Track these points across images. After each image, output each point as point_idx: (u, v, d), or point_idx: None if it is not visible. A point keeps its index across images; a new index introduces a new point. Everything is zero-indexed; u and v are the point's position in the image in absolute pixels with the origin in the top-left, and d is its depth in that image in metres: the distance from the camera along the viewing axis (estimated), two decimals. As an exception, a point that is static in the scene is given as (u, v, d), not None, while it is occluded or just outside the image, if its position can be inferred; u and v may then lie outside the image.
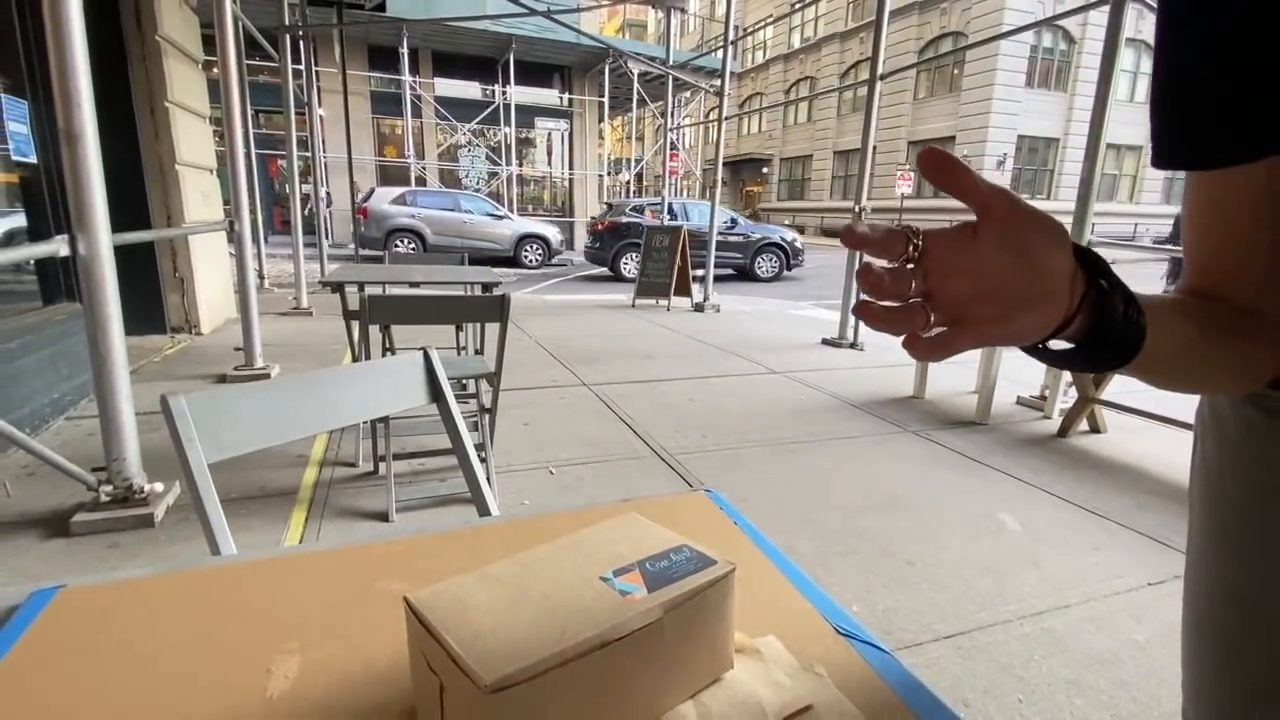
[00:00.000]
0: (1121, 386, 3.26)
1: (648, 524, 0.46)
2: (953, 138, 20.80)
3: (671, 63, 8.51)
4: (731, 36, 6.92)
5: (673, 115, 12.69)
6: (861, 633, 0.51)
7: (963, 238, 0.36)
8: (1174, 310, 0.46)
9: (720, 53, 12.54)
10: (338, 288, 2.51)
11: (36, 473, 2.32)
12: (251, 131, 6.50)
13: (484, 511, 1.18)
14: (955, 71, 20.74)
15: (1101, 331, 0.38)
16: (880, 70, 5.09)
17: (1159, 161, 0.49)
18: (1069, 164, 20.35)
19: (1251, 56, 0.42)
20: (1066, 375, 3.52)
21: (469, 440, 1.23)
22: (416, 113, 14.13)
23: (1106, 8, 3.48)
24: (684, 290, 7.24)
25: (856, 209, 5.19)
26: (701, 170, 19.56)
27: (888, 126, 22.26)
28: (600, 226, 10.97)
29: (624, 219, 10.89)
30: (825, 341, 5.39)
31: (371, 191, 11.53)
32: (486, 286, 2.67)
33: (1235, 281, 0.48)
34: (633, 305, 7.30)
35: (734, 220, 11.35)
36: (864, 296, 0.37)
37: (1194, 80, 0.45)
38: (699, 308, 7.12)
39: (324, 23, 8.36)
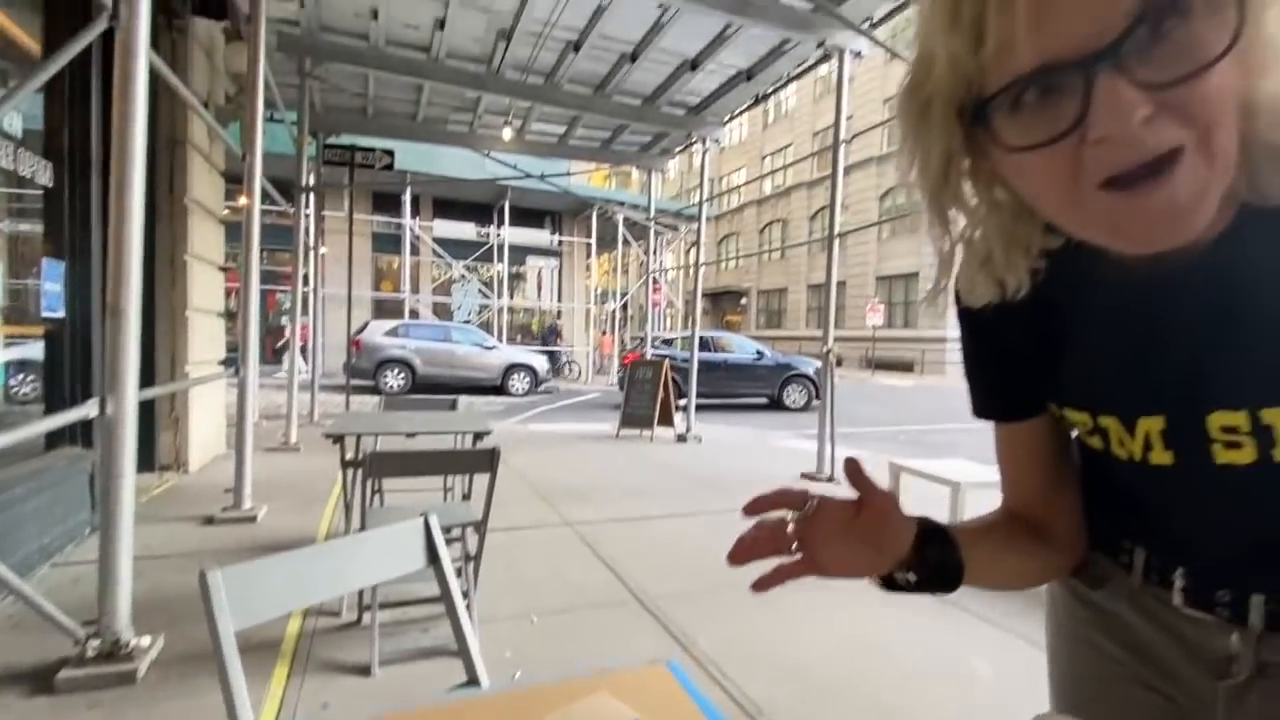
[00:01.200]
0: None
1: (618, 708, 0.60)
2: (916, 274, 22.26)
3: (653, 212, 9.33)
4: (707, 189, 7.69)
5: (655, 254, 13.60)
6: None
7: (848, 509, 0.57)
8: (987, 536, 0.66)
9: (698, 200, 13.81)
10: (338, 439, 2.68)
11: (21, 624, 2.32)
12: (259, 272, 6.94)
13: (472, 677, 1.28)
14: (916, 214, 22.59)
15: (930, 577, 0.59)
16: (847, 220, 5.68)
17: (975, 414, 0.70)
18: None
19: (1002, 370, 0.65)
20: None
21: (462, 605, 1.35)
22: (415, 251, 15.03)
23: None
24: (667, 420, 7.45)
25: (824, 350, 5.56)
26: (684, 301, 20.56)
27: (858, 262, 23.84)
28: (627, 359, 11.57)
29: (649, 351, 11.40)
30: (804, 475, 5.53)
31: (366, 325, 11.98)
32: (478, 436, 2.86)
33: (1027, 502, 0.68)
34: (616, 436, 7.46)
35: (761, 352, 11.75)
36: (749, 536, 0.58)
37: (981, 369, 0.67)
38: (682, 438, 7.30)
39: (337, 183, 9.16)
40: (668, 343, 11.88)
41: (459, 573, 2.60)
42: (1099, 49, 0.37)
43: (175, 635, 2.25)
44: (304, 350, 8.76)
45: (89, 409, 1.98)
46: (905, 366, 21.63)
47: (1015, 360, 0.62)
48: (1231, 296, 0.47)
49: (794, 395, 11.63)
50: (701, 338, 11.17)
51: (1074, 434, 0.66)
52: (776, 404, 11.55)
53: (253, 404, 3.73)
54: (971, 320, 0.63)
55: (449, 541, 3.04)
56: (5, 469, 2.82)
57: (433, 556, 1.41)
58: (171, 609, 2.50)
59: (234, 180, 4.59)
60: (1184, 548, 0.59)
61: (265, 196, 7.20)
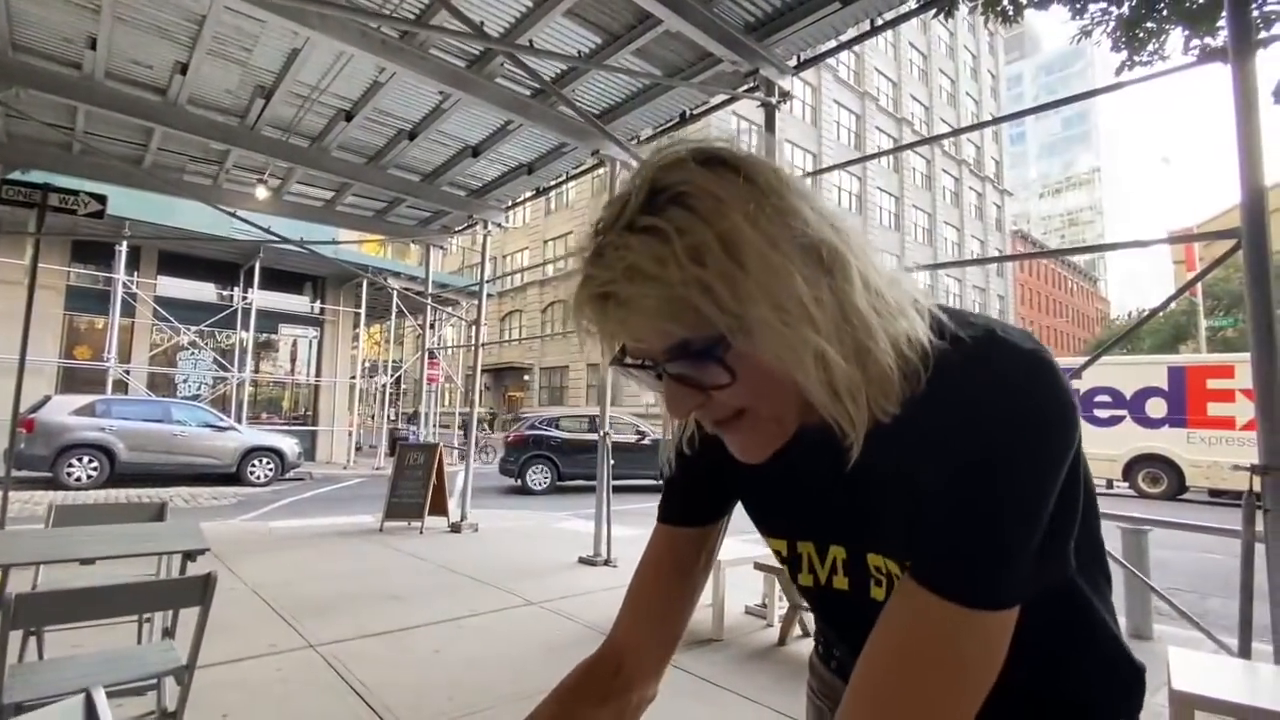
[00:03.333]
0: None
1: None
2: (684, 356, 24.47)
3: (430, 288, 8.99)
4: (490, 269, 7.66)
5: (434, 328, 13.04)
6: None
7: None
8: None
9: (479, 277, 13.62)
10: (-32, 573, 1.99)
11: None
12: None
13: None
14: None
15: None
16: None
17: (661, 518, 0.74)
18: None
19: (696, 484, 0.72)
20: (778, 584, 4.05)
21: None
22: (129, 311, 12.48)
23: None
24: (440, 509, 6.95)
25: (601, 434, 5.72)
26: (464, 377, 19.88)
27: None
28: (510, 438, 11.03)
29: (532, 432, 10.98)
30: (581, 560, 5.50)
31: (45, 400, 9.50)
32: (190, 555, 2.33)
33: (646, 624, 0.72)
34: (380, 529, 6.74)
35: (642, 432, 11.33)
36: None
37: (681, 477, 0.73)
38: (455, 528, 6.84)
39: (18, 230, 7.35)
40: (551, 423, 11.44)
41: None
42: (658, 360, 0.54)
43: None
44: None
45: None
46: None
47: (706, 481, 0.72)
48: (862, 474, 0.58)
49: None
50: (588, 416, 10.93)
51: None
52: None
53: None
54: (679, 450, 0.71)
55: (142, 691, 2.40)
56: None
57: (96, 749, 1.08)
58: None
59: None
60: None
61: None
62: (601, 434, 5.74)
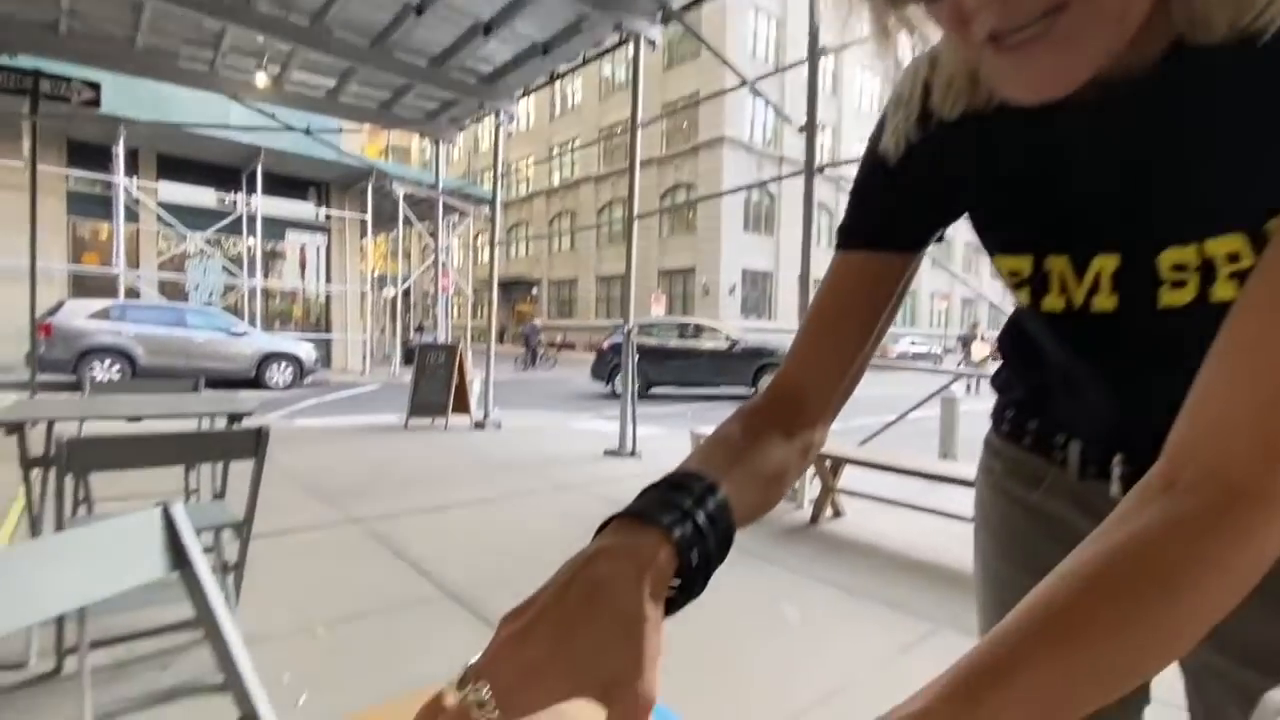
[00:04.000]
0: (854, 475, 3.87)
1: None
2: (693, 268, 24.06)
3: (440, 186, 8.67)
4: (499, 170, 7.35)
5: (444, 234, 12.76)
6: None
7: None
8: (735, 464, 0.48)
9: (488, 181, 13.16)
10: (14, 429, 1.95)
11: None
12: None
13: (248, 712, 0.95)
14: (690, 215, 24.37)
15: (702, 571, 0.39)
16: (637, 210, 5.77)
17: (843, 240, 0.59)
18: (782, 290, 24.73)
19: (902, 198, 0.57)
20: (811, 468, 4.07)
21: (225, 613, 1.00)
22: (133, 217, 12.20)
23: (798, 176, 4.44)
24: (462, 408, 6.99)
25: (625, 329, 5.64)
26: (474, 289, 19.73)
27: (642, 257, 24.91)
28: (602, 345, 11.14)
29: (617, 341, 10.48)
30: (608, 453, 5.56)
31: (60, 305, 9.45)
32: (234, 417, 2.29)
33: (817, 367, 0.58)
34: (405, 426, 6.82)
35: (733, 340, 11.22)
36: None
37: (877, 193, 0.58)
38: (479, 425, 6.91)
39: (10, 111, 7.02)
40: (644, 329, 11.13)
41: (212, 590, 2.07)
42: None
43: None
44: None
45: None
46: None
47: (919, 192, 0.56)
48: (1170, 129, 0.46)
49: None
50: (680, 324, 10.80)
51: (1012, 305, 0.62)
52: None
53: None
54: (883, 152, 0.56)
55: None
56: None
57: (179, 559, 1.03)
58: None
59: None
60: (1118, 430, 0.57)
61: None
62: (626, 329, 5.66)
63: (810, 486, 4.12)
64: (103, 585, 0.94)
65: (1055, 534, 0.61)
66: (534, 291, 31.69)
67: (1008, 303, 0.66)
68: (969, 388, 12.44)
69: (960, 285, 32.41)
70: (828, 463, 3.75)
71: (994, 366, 0.73)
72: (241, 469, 1.93)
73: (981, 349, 12.16)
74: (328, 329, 15.06)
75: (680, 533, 0.37)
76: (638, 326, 11.39)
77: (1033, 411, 0.65)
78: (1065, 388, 0.61)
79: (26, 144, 7.19)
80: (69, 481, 1.74)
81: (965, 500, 3.07)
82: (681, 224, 25.01)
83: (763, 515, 0.50)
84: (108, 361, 9.22)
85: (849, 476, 3.85)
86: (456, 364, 6.95)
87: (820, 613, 2.51)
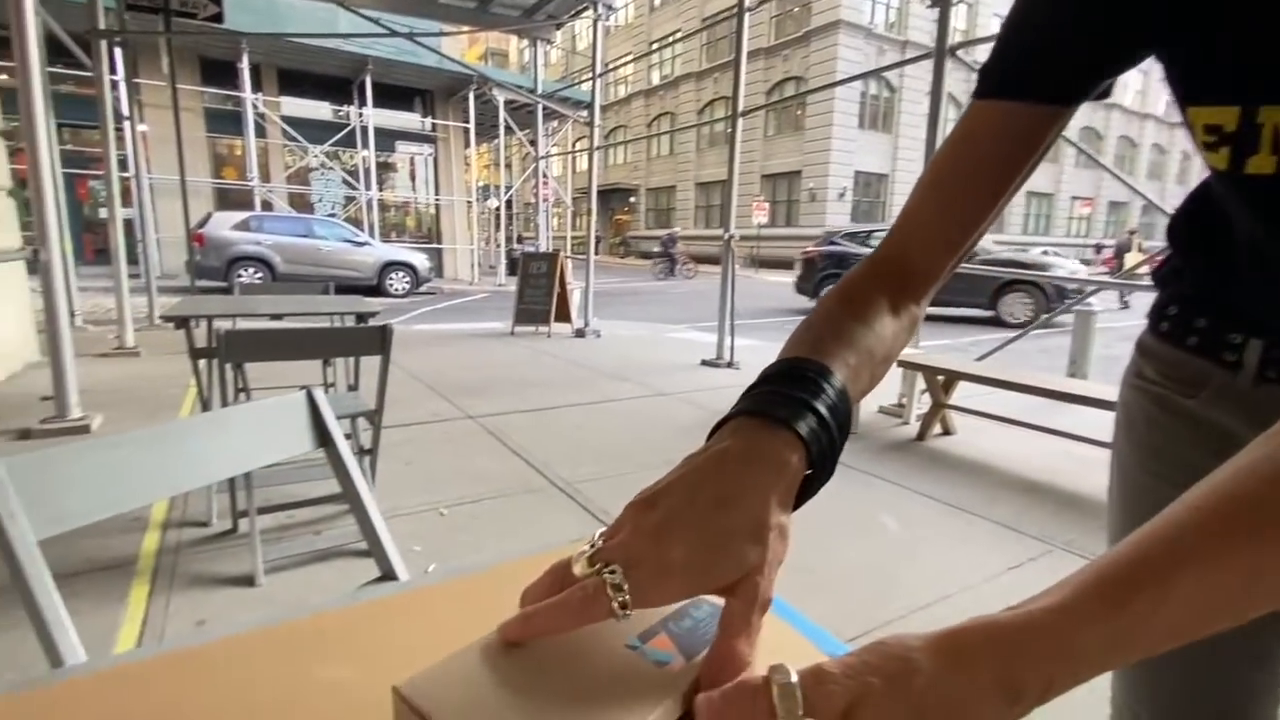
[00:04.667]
0: (967, 391, 3.66)
1: None
2: (799, 172, 22.67)
3: (539, 89, 8.54)
4: (598, 69, 7.09)
5: (543, 141, 12.71)
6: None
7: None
8: (848, 361, 0.43)
9: (585, 84, 12.81)
10: (181, 323, 2.20)
11: None
12: (56, 148, 5.63)
13: (387, 571, 1.06)
14: (799, 113, 22.69)
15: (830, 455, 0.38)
16: (741, 107, 5.42)
17: (987, 86, 0.49)
18: (898, 196, 22.89)
19: (1070, 34, 0.46)
20: (920, 383, 3.88)
21: (365, 488, 1.10)
22: (261, 133, 13.01)
23: (925, 61, 3.95)
24: (564, 316, 7.19)
25: (726, 236, 5.46)
26: (573, 198, 19.76)
27: (744, 161, 23.80)
28: (805, 255, 10.53)
29: (827, 248, 10.25)
30: (704, 362, 5.57)
31: (209, 217, 10.41)
32: (361, 317, 2.47)
33: (937, 232, 0.51)
34: (511, 333, 7.13)
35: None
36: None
37: (1036, 30, 0.48)
38: (580, 333, 7.09)
39: (147, 30, 7.50)
40: (850, 236, 10.47)
41: (351, 471, 2.32)
42: None
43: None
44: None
45: None
46: (786, 264, 22.41)
47: (1094, 28, 0.46)
48: None
49: (1014, 307, 8.54)
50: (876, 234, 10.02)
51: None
52: (995, 319, 8.78)
53: (62, 290, 3.04)
54: None
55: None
56: None
57: (322, 438, 1.13)
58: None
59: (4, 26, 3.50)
60: None
61: (56, 50, 5.74)
62: (726, 237, 5.48)
63: (918, 402, 3.95)
64: (263, 455, 1.06)
65: (1213, 445, 0.54)
66: (632, 199, 31.26)
67: (1168, 202, 0.55)
68: (1122, 302, 11.21)
69: (1107, 189, 28.60)
70: (940, 378, 3.56)
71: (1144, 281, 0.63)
72: (369, 366, 2.10)
73: (1134, 259, 10.79)
74: (438, 240, 15.72)
75: (807, 430, 0.36)
76: (844, 235, 10.67)
77: (1204, 308, 0.56)
78: (1258, 274, 0.51)
79: (165, 61, 7.73)
80: (229, 371, 1.96)
81: (1094, 422, 2.82)
82: (789, 123, 23.38)
83: (869, 392, 0.46)
84: (251, 269, 10.17)
85: (962, 393, 3.65)
86: (558, 272, 7.08)
87: (922, 528, 2.46)
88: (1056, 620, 0.27)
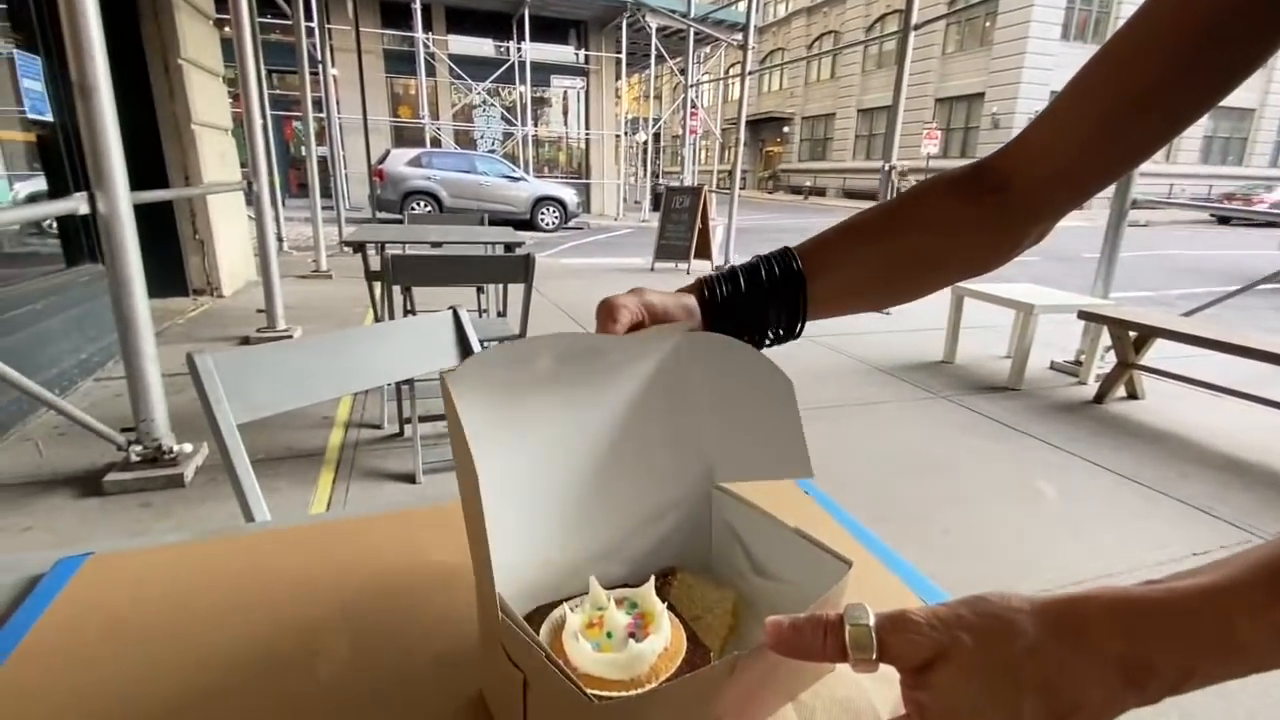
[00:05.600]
0: (1161, 352, 3.15)
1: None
2: (981, 95, 20.04)
3: (692, 12, 8.19)
4: (756, -14, 6.64)
5: (692, 72, 12.32)
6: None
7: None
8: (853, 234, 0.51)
9: (742, 3, 12.11)
10: (359, 248, 2.47)
11: (67, 433, 2.33)
12: (266, 92, 6.40)
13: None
14: (987, 24, 19.85)
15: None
16: (914, 19, 4.84)
17: None
18: (1104, 121, 19.54)
19: None
20: (1105, 339, 3.40)
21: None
22: (430, 72, 13.86)
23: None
24: (704, 253, 7.11)
25: (886, 168, 5.01)
26: (721, 130, 19.11)
27: (915, 83, 21.45)
28: None
29: None
30: (850, 305, 5.27)
31: (387, 153, 11.41)
32: (509, 247, 2.61)
33: (1072, 127, 0.45)
34: (651, 269, 7.20)
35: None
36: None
37: None
38: (719, 269, 6.99)
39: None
40: None
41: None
42: None
43: (219, 444, 2.23)
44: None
45: (77, 202, 1.77)
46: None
47: None
48: None
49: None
50: None
51: None
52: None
53: (272, 218, 3.52)
54: None
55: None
56: (21, 284, 2.71)
57: (466, 354, 1.23)
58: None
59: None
60: None
61: (263, 1, 6.46)
62: (886, 168, 5.03)
63: (1100, 361, 3.47)
64: (417, 366, 1.18)
65: None
66: (785, 130, 29.58)
67: None
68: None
69: None
70: (1132, 334, 3.08)
71: None
72: (518, 297, 2.22)
73: None
74: (586, 175, 16.04)
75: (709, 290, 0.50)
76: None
77: None
78: None
79: (350, 5, 8.38)
80: (398, 293, 2.18)
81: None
82: (973, 36, 20.56)
83: (889, 293, 0.52)
84: (423, 203, 11.07)
85: (1160, 353, 3.14)
86: (700, 207, 6.96)
87: (1087, 500, 2.20)
88: (1213, 604, 0.22)
